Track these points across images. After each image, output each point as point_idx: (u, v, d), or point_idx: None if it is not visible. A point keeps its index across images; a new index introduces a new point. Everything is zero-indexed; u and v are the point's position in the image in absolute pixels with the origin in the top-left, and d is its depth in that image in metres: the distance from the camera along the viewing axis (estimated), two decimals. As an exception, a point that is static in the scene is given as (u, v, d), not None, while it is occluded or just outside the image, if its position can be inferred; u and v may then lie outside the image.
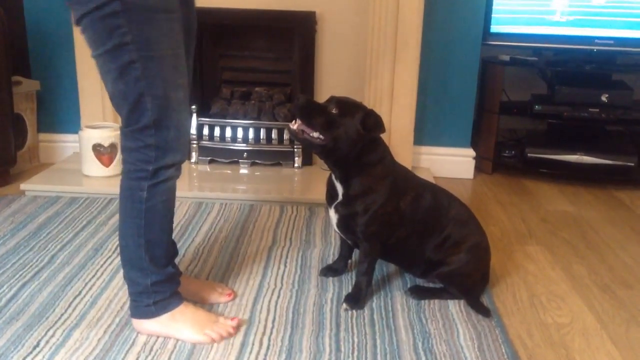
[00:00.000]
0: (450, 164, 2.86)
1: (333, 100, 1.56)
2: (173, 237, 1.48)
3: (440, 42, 2.71)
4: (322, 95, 2.78)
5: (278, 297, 1.67)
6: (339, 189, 1.61)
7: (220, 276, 1.78)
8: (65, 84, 2.82)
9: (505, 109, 2.89)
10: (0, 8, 2.42)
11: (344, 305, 1.61)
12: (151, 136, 1.31)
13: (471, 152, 2.86)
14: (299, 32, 2.74)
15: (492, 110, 2.88)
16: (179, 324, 1.45)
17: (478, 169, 2.90)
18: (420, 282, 1.77)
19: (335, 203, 1.63)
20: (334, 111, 1.53)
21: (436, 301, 1.67)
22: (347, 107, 1.55)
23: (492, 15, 2.75)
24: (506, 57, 2.93)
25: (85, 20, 1.24)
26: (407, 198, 1.61)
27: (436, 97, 2.79)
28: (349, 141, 1.52)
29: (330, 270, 1.81)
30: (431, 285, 1.73)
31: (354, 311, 1.60)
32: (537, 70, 2.96)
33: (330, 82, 2.76)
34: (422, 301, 1.67)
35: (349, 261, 1.84)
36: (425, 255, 1.67)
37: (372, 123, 1.54)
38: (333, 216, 1.65)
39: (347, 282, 1.76)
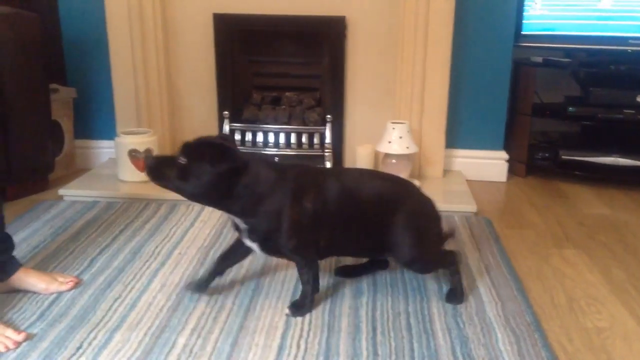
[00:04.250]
0: (482, 167, 2.83)
1: (182, 148, 1.50)
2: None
3: (471, 44, 2.70)
4: (352, 100, 2.79)
5: (313, 300, 1.68)
6: (239, 222, 1.57)
7: (255, 280, 1.79)
8: (101, 91, 2.88)
9: (538, 111, 2.86)
10: (37, 16, 2.47)
11: (287, 311, 1.61)
12: None
13: (504, 155, 2.84)
14: (328, 37, 2.75)
15: (524, 113, 2.85)
16: None
17: (511, 172, 2.87)
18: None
19: (245, 234, 1.58)
20: (181, 161, 1.47)
21: (473, 305, 1.66)
22: (195, 151, 1.47)
23: (524, 16, 2.73)
24: (538, 59, 2.90)
25: None
26: (310, 196, 1.55)
27: (468, 99, 2.77)
28: (209, 184, 1.46)
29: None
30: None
31: (389, 315, 1.60)
32: (570, 71, 2.92)
33: (360, 86, 2.77)
34: (458, 305, 1.66)
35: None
36: (372, 241, 1.63)
37: (219, 157, 1.46)
38: (252, 245, 1.60)
39: (382, 286, 1.76)
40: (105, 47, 2.73)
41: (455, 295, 1.68)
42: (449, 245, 1.85)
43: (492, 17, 2.68)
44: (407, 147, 2.49)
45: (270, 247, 1.58)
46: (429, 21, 2.55)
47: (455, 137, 2.81)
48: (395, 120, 2.60)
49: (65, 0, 2.82)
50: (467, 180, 2.72)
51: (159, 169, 1.50)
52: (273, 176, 1.53)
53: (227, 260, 1.72)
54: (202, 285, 1.70)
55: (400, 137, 2.49)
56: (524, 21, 2.75)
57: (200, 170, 1.45)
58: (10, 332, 1.44)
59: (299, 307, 1.62)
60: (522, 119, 2.87)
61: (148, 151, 2.55)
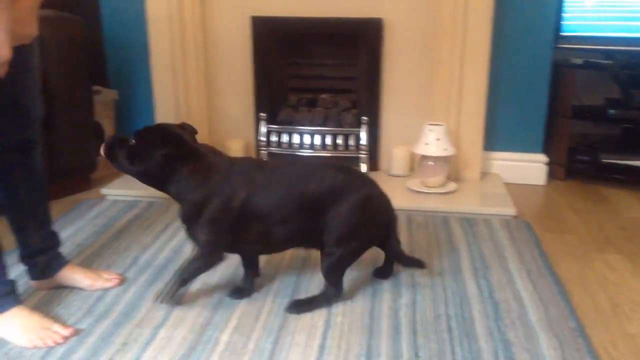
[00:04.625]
0: (521, 170, 2.80)
1: (136, 131, 1.57)
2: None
3: (510, 45, 2.67)
4: (388, 102, 2.79)
5: (352, 301, 1.68)
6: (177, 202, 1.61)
7: (293, 280, 1.80)
8: (141, 92, 2.93)
9: (577, 114, 2.81)
10: (80, 19, 2.54)
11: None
12: None
13: (543, 158, 2.80)
14: (365, 38, 2.75)
15: (564, 115, 2.81)
16: (10, 328, 1.47)
17: (550, 175, 2.83)
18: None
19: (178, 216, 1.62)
20: (132, 143, 1.55)
21: (515, 309, 1.64)
22: (143, 135, 1.55)
23: (564, 17, 2.69)
24: (578, 60, 2.85)
25: None
26: (241, 196, 1.54)
27: (506, 101, 2.75)
28: (151, 167, 1.53)
29: (238, 292, 1.73)
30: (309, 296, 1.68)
31: (429, 318, 1.60)
32: (610, 73, 2.87)
33: (397, 88, 2.77)
34: (500, 308, 1.64)
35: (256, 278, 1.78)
36: (315, 234, 1.60)
37: (161, 143, 1.52)
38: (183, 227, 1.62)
39: (421, 288, 1.76)
40: (145, 50, 2.78)
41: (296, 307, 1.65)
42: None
43: (531, 18, 2.65)
44: (445, 149, 2.48)
45: (190, 233, 1.60)
46: (467, 22, 2.53)
47: (493, 140, 2.78)
48: (432, 122, 2.59)
49: (108, 4, 2.89)
50: (505, 183, 2.69)
51: (112, 148, 1.57)
52: (211, 170, 1.55)
53: (250, 260, 1.75)
54: (244, 290, 1.73)
55: (438, 139, 2.48)
56: (563, 22, 2.71)
57: (145, 153, 1.52)
58: (58, 327, 1.48)
59: (162, 292, 1.62)
60: (561, 122, 2.83)
61: (187, 152, 2.58)
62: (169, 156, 1.52)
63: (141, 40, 2.80)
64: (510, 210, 2.35)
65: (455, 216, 2.34)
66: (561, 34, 2.71)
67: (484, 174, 2.78)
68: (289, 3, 2.73)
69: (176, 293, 1.62)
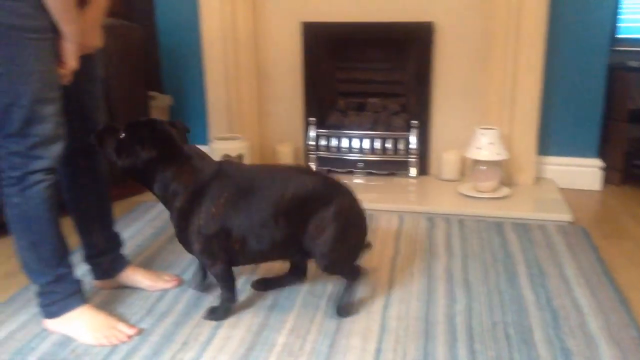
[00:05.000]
0: (576, 175, 2.74)
1: (127, 124, 1.55)
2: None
3: (564, 48, 2.62)
4: (438, 105, 2.77)
5: (407, 306, 1.68)
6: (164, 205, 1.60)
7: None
8: (195, 98, 3.00)
9: (634, 117, 2.73)
10: (138, 27, 2.62)
11: (204, 314, 1.63)
12: (15, 144, 1.39)
13: (598, 163, 2.74)
14: (415, 42, 2.75)
15: (620, 119, 2.74)
16: (76, 325, 1.52)
17: (606, 180, 2.76)
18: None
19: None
20: (122, 136, 1.53)
21: (574, 317, 1.61)
22: (133, 129, 1.53)
23: (620, 19, 2.63)
24: (635, 63, 2.78)
25: None
26: (220, 201, 1.52)
27: (561, 105, 2.70)
28: (139, 164, 1.52)
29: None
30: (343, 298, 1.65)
31: (482, 325, 1.58)
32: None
33: (447, 92, 2.75)
34: (559, 316, 1.61)
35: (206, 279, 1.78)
36: (297, 242, 1.56)
37: (147, 143, 1.51)
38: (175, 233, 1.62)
39: (477, 294, 1.74)
40: (199, 56, 2.84)
41: (345, 309, 1.63)
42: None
43: (586, 20, 2.59)
44: (498, 154, 2.45)
45: (182, 241, 1.59)
46: (520, 25, 2.50)
47: (547, 144, 2.73)
48: (484, 125, 2.56)
49: (163, 12, 2.96)
50: (559, 189, 2.64)
51: (103, 136, 1.56)
52: (195, 175, 1.54)
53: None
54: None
55: (491, 143, 2.45)
56: (619, 24, 2.65)
57: (131, 149, 1.52)
58: (122, 326, 1.53)
59: (214, 311, 1.63)
60: (617, 126, 2.76)
61: (240, 157, 2.63)
62: (155, 157, 1.52)
63: (195, 47, 2.87)
64: (566, 216, 2.31)
65: (509, 222, 2.31)
66: (617, 36, 2.65)
67: (538, 179, 2.73)
68: (339, 9, 2.75)
69: (228, 311, 1.63)
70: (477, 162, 2.51)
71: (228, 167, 1.60)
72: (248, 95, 2.87)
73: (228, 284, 1.61)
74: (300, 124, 2.95)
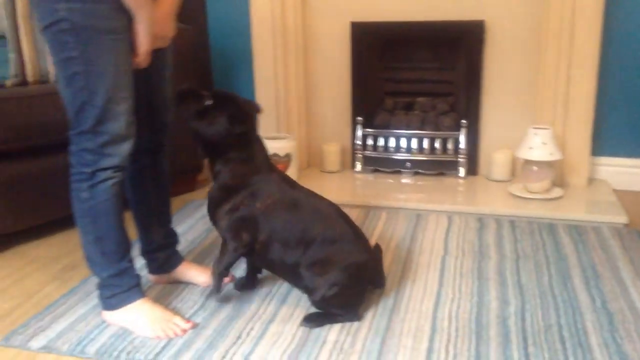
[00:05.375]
0: (631, 177, 2.67)
1: (214, 92, 1.56)
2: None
3: (621, 45, 2.55)
4: (488, 105, 2.74)
5: (458, 307, 1.67)
6: (211, 178, 1.63)
7: (396, 283, 1.81)
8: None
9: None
10: (190, 28, 2.67)
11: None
12: (88, 140, 1.44)
13: (656, 164, 2.66)
14: (466, 41, 2.72)
15: (680, 118, 2.65)
16: (134, 318, 1.56)
17: (664, 181, 2.67)
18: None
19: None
20: (207, 102, 1.54)
21: (631, 320, 1.57)
22: (221, 101, 1.55)
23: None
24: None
25: (45, 33, 1.40)
26: (267, 201, 1.56)
27: (616, 104, 2.62)
28: (214, 134, 1.54)
29: (240, 284, 1.79)
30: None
31: (543, 328, 1.56)
32: None
33: (498, 91, 2.71)
34: (615, 319, 1.58)
35: (258, 275, 1.81)
36: (298, 270, 1.56)
37: (237, 119, 1.52)
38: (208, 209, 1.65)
39: (530, 297, 1.72)
40: (249, 57, 2.89)
41: (311, 320, 1.60)
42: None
43: (644, 17, 2.52)
44: (551, 154, 2.41)
45: (211, 213, 1.62)
46: (575, 22, 2.44)
47: (602, 144, 2.66)
48: (535, 125, 2.51)
49: (215, 13, 3.02)
50: (614, 190, 2.57)
51: (187, 96, 1.58)
52: (259, 167, 1.59)
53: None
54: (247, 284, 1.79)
55: (544, 143, 2.40)
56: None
57: (216, 120, 1.53)
58: (178, 320, 1.57)
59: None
60: (677, 125, 2.67)
61: (288, 156, 2.66)
62: (236, 135, 1.54)
63: (245, 48, 2.92)
64: (622, 219, 2.25)
65: (561, 223, 2.27)
66: (678, 32, 2.56)
67: (591, 180, 2.66)
68: (389, 8, 2.75)
69: (219, 288, 1.63)
70: (528, 163, 2.47)
71: (279, 176, 1.63)
72: (296, 95, 2.89)
73: (230, 262, 1.61)
74: (347, 123, 2.96)
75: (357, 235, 1.63)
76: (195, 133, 1.58)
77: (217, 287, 1.63)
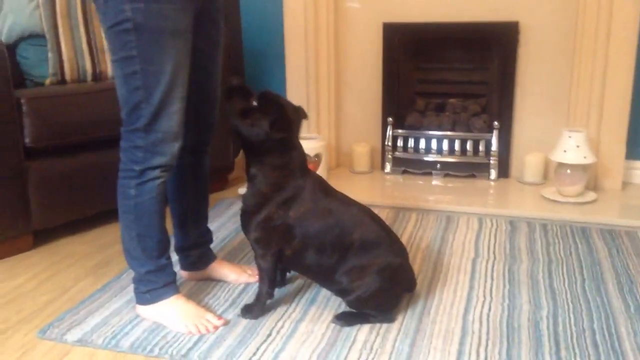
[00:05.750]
0: (668, 181, 2.61)
1: (261, 94, 1.54)
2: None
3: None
4: (521, 107, 2.71)
5: (489, 310, 1.66)
6: (246, 179, 1.62)
7: (426, 285, 1.81)
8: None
9: None
10: (224, 27, 2.70)
11: (239, 313, 1.63)
12: (140, 138, 1.46)
13: (693, 168, 2.60)
14: (499, 42, 2.70)
15: None
16: (168, 313, 1.58)
17: (702, 186, 2.61)
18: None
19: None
20: (254, 103, 1.52)
21: (668, 328, 1.54)
22: (267, 103, 1.53)
23: None
24: None
25: (108, 33, 1.43)
26: (300, 209, 1.54)
27: (653, 107, 2.58)
28: (254, 136, 1.52)
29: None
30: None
31: (573, 331, 1.54)
32: None
33: (531, 93, 2.69)
34: (651, 327, 1.55)
35: (287, 274, 1.82)
36: (334, 276, 1.56)
37: (277, 125, 1.49)
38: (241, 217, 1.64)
39: (563, 301, 1.70)
40: (282, 58, 2.91)
41: (344, 319, 1.60)
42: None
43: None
44: (585, 157, 2.37)
45: (243, 220, 1.61)
46: (611, 23, 2.41)
47: (636, 148, 2.61)
48: (569, 128, 2.48)
49: (248, 14, 3.05)
50: (650, 194, 2.53)
51: (233, 94, 1.57)
52: (295, 174, 1.56)
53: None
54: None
55: (578, 146, 2.37)
56: None
57: (259, 122, 1.51)
58: (210, 317, 1.59)
59: (250, 308, 1.63)
60: None
61: (318, 156, 2.67)
62: (276, 140, 1.53)
63: (277, 48, 2.94)
64: (658, 223, 2.21)
65: (595, 227, 2.23)
66: None
67: (626, 184, 2.62)
68: (421, 9, 2.74)
69: (264, 306, 1.64)
70: (562, 166, 2.43)
71: (315, 182, 1.61)
72: (327, 95, 2.91)
73: (271, 278, 1.62)
74: (377, 124, 2.96)
75: (392, 239, 1.62)
76: (236, 131, 1.58)
77: (257, 314, 1.63)
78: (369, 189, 2.75)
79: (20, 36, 2.40)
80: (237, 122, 1.55)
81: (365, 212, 1.63)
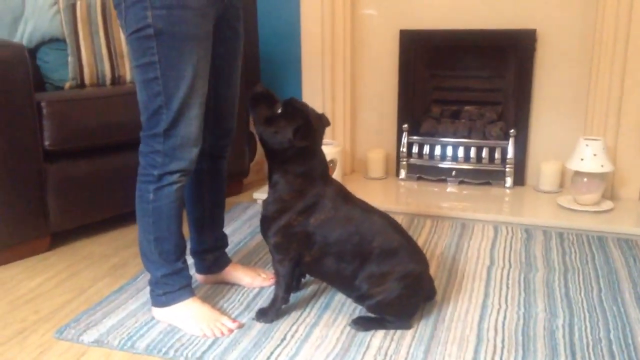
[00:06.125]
0: (686, 190, 2.58)
1: (286, 101, 1.55)
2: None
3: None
4: (538, 115, 2.70)
5: (504, 318, 1.65)
6: (268, 186, 1.62)
7: (441, 292, 1.80)
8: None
9: None
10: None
11: (254, 317, 1.64)
12: (160, 143, 1.48)
13: None
14: (516, 50, 2.69)
15: None
16: (183, 316, 1.59)
17: None
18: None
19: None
20: (278, 111, 1.53)
21: (687, 339, 1.52)
22: (291, 111, 1.53)
23: None
24: None
25: (130, 38, 1.45)
26: (321, 217, 1.55)
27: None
28: (277, 143, 1.53)
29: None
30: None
31: (592, 341, 1.53)
32: None
33: (548, 100, 2.67)
34: (669, 338, 1.53)
35: (302, 279, 1.84)
36: (354, 282, 1.56)
37: (300, 133, 1.50)
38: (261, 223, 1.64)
39: (579, 310, 1.68)
40: (298, 66, 2.92)
41: (361, 323, 1.60)
42: None
43: None
44: (602, 166, 2.35)
45: (262, 225, 1.62)
46: (630, 31, 2.39)
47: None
48: (586, 136, 2.46)
49: (266, 21, 3.07)
50: (668, 204, 2.50)
51: (259, 100, 1.58)
52: (316, 181, 1.57)
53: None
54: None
55: (595, 155, 2.35)
56: None
57: (283, 129, 1.52)
58: (226, 320, 1.60)
59: (265, 312, 1.63)
60: None
61: (333, 162, 2.68)
62: (299, 148, 1.53)
63: (294, 54, 2.96)
64: (676, 233, 2.18)
65: (611, 237, 2.21)
66: None
67: (643, 193, 2.59)
68: (438, 16, 2.74)
69: (279, 311, 1.65)
70: (578, 174, 2.42)
71: (336, 190, 1.61)
72: (342, 101, 2.91)
73: (287, 283, 1.62)
74: (392, 130, 2.96)
75: (413, 247, 1.62)
76: (260, 137, 1.59)
77: (271, 318, 1.63)
78: (384, 195, 2.75)
79: (41, 40, 2.44)
80: (261, 128, 1.56)
81: (387, 219, 1.63)
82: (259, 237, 2.24)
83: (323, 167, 1.61)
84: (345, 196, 1.62)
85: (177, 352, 1.50)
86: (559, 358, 1.45)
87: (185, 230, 1.68)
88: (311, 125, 1.54)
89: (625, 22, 2.38)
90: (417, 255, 1.61)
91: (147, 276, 1.68)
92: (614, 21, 2.40)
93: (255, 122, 1.58)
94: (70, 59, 2.44)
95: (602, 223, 2.29)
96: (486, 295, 1.79)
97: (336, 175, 2.71)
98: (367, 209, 1.63)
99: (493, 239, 2.22)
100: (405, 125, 2.88)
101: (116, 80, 2.54)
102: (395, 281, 1.54)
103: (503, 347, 1.51)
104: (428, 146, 2.88)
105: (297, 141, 1.51)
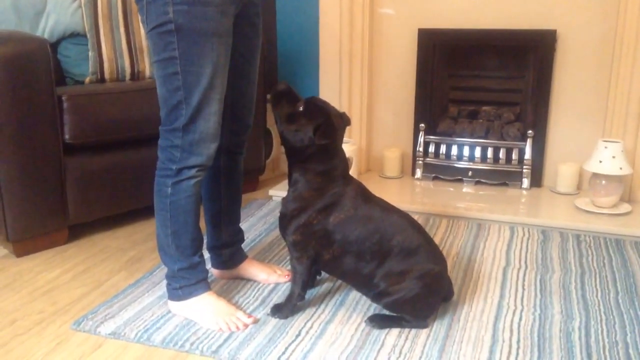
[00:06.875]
0: None
1: (308, 99, 1.55)
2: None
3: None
4: (556, 116, 2.68)
5: (520, 319, 1.64)
6: (288, 184, 1.62)
7: (456, 292, 1.79)
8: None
9: None
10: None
11: (269, 312, 1.65)
12: (178, 138, 1.49)
13: None
14: (535, 50, 2.67)
15: None
16: (199, 310, 1.60)
17: None
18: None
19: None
20: (299, 109, 1.53)
21: None
22: (312, 109, 1.54)
23: None
24: None
25: (151, 34, 1.46)
26: (340, 216, 1.55)
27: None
28: (298, 141, 1.54)
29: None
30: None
31: (599, 341, 1.51)
32: None
33: (567, 102, 2.65)
34: (687, 342, 1.52)
35: (317, 277, 1.85)
36: (372, 281, 1.56)
37: (321, 131, 1.50)
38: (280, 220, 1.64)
39: (596, 312, 1.67)
40: (316, 64, 2.93)
41: (377, 321, 1.61)
42: None
43: None
44: (621, 168, 2.33)
45: (281, 223, 1.62)
46: (652, 33, 2.37)
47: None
48: (605, 138, 2.44)
49: (283, 19, 3.08)
50: (688, 208, 2.47)
51: (281, 98, 1.58)
52: (337, 180, 1.57)
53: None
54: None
55: (613, 157, 2.33)
56: None
57: (304, 127, 1.53)
58: (241, 314, 1.61)
59: (280, 308, 1.64)
60: None
61: (349, 160, 2.68)
62: (319, 146, 1.53)
63: (312, 52, 2.96)
64: (696, 238, 2.16)
65: (629, 240, 2.19)
66: None
67: (662, 196, 2.57)
68: (457, 15, 2.73)
69: (294, 307, 1.65)
70: (597, 176, 2.39)
71: (356, 189, 1.61)
72: (359, 99, 2.91)
73: (304, 280, 1.62)
74: (409, 129, 2.95)
75: (432, 247, 1.62)
76: (281, 135, 1.59)
77: (286, 314, 1.64)
78: (399, 194, 2.74)
79: (62, 35, 2.47)
80: (282, 126, 1.57)
81: (407, 218, 1.62)
82: (275, 234, 2.25)
83: (343, 165, 1.61)
84: (365, 195, 1.62)
85: (193, 346, 1.51)
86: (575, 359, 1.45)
87: (202, 225, 1.69)
88: (332, 124, 1.54)
89: (647, 22, 2.36)
90: (436, 255, 1.61)
91: (163, 270, 1.70)
92: (635, 22, 2.38)
93: (277, 120, 1.59)
94: (90, 53, 2.46)
95: (620, 226, 2.27)
96: (502, 296, 1.78)
97: (351, 173, 2.68)
98: (387, 208, 1.63)
99: (509, 240, 2.21)
100: (422, 125, 2.88)
101: (135, 75, 2.56)
102: (414, 280, 1.54)
103: (518, 347, 1.50)
104: (445, 146, 2.87)
105: (317, 139, 1.52)
